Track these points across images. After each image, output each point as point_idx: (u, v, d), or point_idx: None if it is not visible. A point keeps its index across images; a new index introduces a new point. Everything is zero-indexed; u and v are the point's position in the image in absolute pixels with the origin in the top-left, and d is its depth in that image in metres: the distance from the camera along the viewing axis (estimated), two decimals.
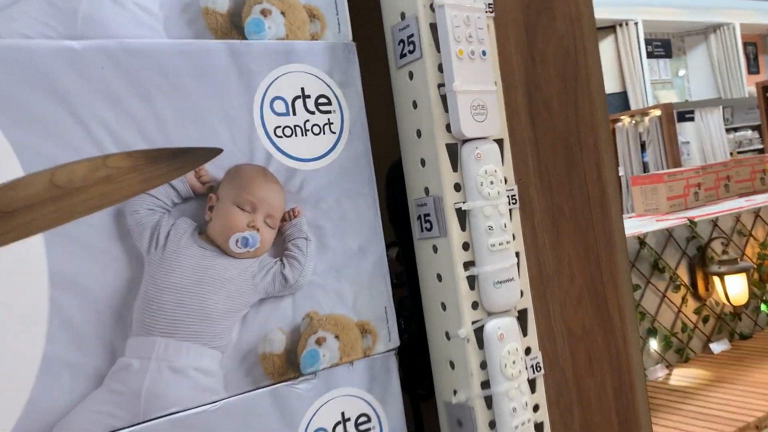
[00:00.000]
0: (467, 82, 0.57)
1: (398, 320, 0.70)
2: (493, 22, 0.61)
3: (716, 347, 2.37)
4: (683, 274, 2.33)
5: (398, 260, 0.69)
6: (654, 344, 2.25)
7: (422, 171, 0.59)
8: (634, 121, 4.97)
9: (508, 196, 0.60)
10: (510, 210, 0.61)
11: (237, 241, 0.51)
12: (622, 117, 5.01)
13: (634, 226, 2.44)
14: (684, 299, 2.31)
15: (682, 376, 2.25)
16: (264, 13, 0.55)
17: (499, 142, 0.60)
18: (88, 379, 0.46)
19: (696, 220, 2.37)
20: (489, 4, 0.60)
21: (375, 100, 0.62)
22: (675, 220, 2.41)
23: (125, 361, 0.47)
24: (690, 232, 2.34)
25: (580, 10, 0.66)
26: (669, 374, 2.26)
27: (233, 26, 0.54)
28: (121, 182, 0.47)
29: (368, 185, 0.59)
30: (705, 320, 2.36)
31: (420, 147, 0.59)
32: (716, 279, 2.29)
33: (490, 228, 0.57)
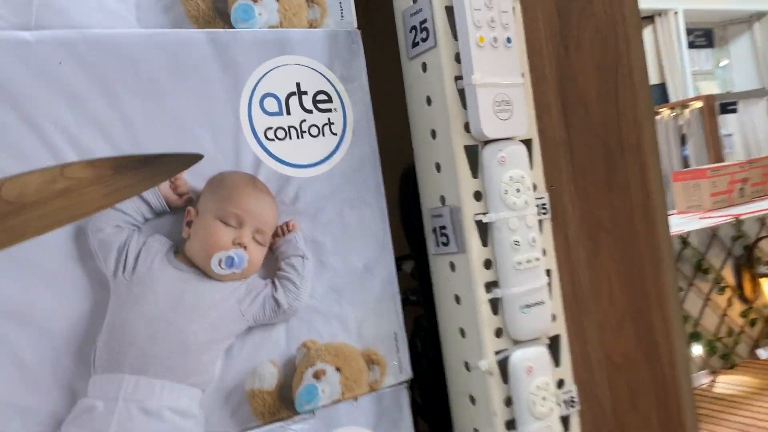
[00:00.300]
0: (489, 74, 0.49)
1: (415, 341, 0.62)
2: (520, 5, 0.53)
3: (764, 353, 2.24)
4: (728, 275, 2.21)
5: (413, 276, 0.61)
6: (697, 350, 2.14)
7: (437, 177, 0.52)
8: (673, 114, 4.80)
9: (537, 206, 0.52)
10: (540, 221, 0.53)
11: (220, 261, 0.44)
12: (661, 110, 4.84)
13: (675, 224, 2.32)
14: (729, 302, 2.18)
15: (727, 383, 2.13)
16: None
17: (527, 143, 0.52)
18: (44, 426, 0.39)
19: (742, 217, 2.24)
20: None
21: (387, 96, 0.55)
22: (719, 218, 2.29)
23: (88, 403, 0.41)
24: (736, 230, 2.22)
25: None
26: (713, 381, 2.15)
27: (217, 13, 0.47)
28: (81, 196, 0.41)
29: (375, 194, 0.51)
30: (752, 324, 2.24)
31: (435, 149, 0.52)
32: (764, 281, 2.16)
33: (516, 243, 0.50)
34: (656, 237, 0.58)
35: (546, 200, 0.53)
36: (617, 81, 0.57)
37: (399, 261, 0.64)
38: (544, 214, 0.53)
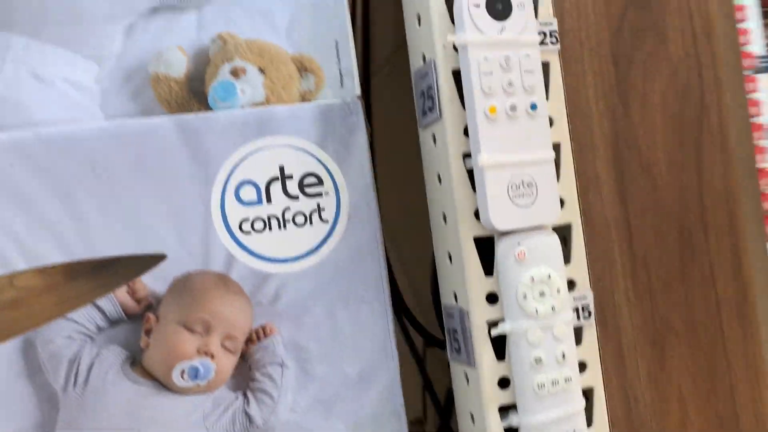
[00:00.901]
0: (502, 151, 0.40)
1: None
2: (560, 57, 0.42)
3: None
4: None
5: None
6: None
7: (450, 269, 0.43)
8: None
9: (577, 308, 0.42)
10: (580, 328, 0.42)
11: (183, 371, 0.40)
12: None
13: None
14: None
15: None
16: (235, 72, 0.43)
17: (564, 229, 0.42)
18: None
19: None
20: (552, 32, 0.42)
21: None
22: None
23: None
24: None
25: (710, 18, 0.45)
26: None
27: (193, 95, 0.43)
28: (31, 306, 0.39)
29: (375, 289, 0.44)
30: None
31: (446, 236, 0.43)
32: None
33: (538, 360, 0.40)
34: (756, 341, 0.45)
35: (589, 301, 0.42)
36: (701, 141, 0.44)
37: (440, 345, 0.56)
38: (587, 318, 0.42)
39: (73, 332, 0.39)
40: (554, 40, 0.42)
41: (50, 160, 0.39)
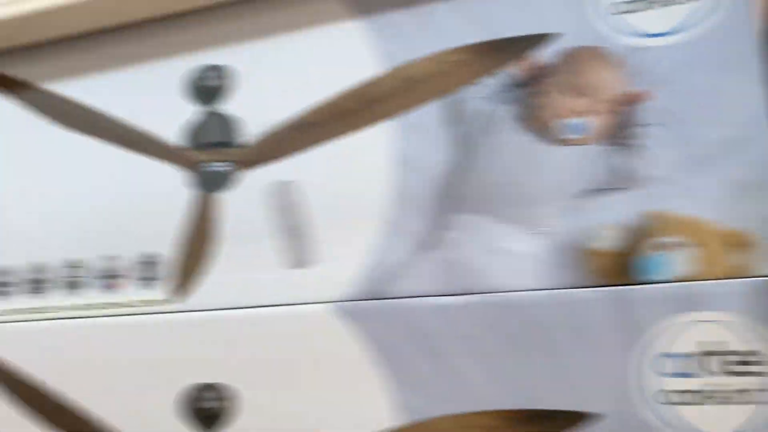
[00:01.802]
0: None
1: None
2: None
3: None
4: None
5: None
6: None
7: None
8: None
9: None
10: None
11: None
12: None
13: None
14: None
15: None
16: (665, 247, 0.46)
17: None
18: None
19: None
20: None
21: None
22: None
23: None
24: None
25: None
26: None
27: (621, 267, 0.47)
28: None
29: None
30: None
31: None
32: None
33: None
34: None
35: None
36: None
37: None
38: None
39: None
40: None
41: (498, 319, 0.48)
